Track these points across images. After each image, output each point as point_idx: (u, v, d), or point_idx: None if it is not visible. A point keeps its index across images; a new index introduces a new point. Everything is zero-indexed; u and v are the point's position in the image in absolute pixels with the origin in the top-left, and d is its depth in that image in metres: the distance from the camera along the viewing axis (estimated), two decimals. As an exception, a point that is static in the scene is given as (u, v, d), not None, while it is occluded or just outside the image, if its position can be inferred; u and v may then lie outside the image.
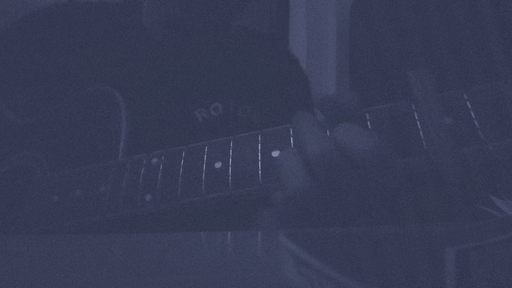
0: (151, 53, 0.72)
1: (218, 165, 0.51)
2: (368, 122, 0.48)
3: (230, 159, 0.50)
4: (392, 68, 0.65)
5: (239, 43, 0.77)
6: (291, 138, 0.50)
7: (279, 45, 0.89)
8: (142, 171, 0.54)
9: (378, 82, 0.65)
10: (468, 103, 0.45)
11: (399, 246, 0.27)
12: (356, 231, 0.33)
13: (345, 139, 0.44)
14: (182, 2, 0.70)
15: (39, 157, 0.65)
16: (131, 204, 0.53)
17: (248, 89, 0.71)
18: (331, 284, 0.23)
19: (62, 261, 0.36)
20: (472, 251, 0.25)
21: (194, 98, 0.68)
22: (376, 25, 0.70)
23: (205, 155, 0.52)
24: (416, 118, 0.46)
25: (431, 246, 0.27)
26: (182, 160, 0.53)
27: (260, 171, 0.49)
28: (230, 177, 0.50)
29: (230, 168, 0.50)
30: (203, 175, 0.51)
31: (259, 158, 0.50)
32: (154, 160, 0.54)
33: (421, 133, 0.45)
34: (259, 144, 0.50)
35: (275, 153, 0.49)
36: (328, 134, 0.47)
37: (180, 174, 0.52)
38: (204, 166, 0.51)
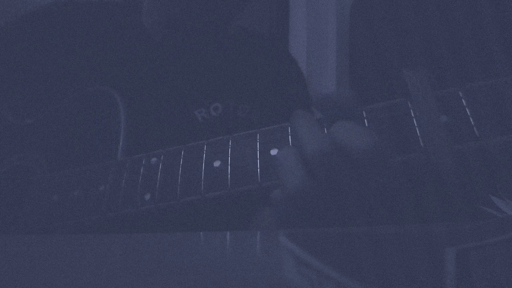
0: (151, 53, 0.72)
1: (217, 164, 0.51)
2: (365, 120, 0.48)
3: (229, 158, 0.50)
4: (392, 68, 0.65)
5: (239, 43, 0.77)
6: (290, 137, 0.50)
7: (278, 46, 0.89)
8: (142, 170, 0.54)
9: (378, 82, 0.65)
10: (463, 100, 0.45)
11: (399, 246, 0.27)
12: (356, 231, 0.33)
13: (343, 137, 0.44)
14: (182, 2, 0.70)
15: (38, 157, 0.65)
16: (131, 204, 0.53)
17: (247, 89, 0.71)
18: (331, 284, 0.23)
19: (62, 261, 0.36)
20: (472, 251, 0.25)
21: (194, 98, 0.68)
22: (376, 25, 0.70)
23: (204, 154, 0.52)
24: (413, 116, 0.46)
25: (431, 246, 0.27)
26: (181, 160, 0.53)
27: (259, 170, 0.49)
28: (229, 176, 0.50)
29: (229, 167, 0.50)
30: (202, 174, 0.51)
31: (258, 157, 0.50)
32: (153, 160, 0.54)
33: (418, 130, 0.46)
34: (258, 143, 0.50)
35: (274, 152, 0.49)
36: (326, 133, 0.47)
37: (179, 173, 0.52)
38: (203, 165, 0.51)
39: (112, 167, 0.57)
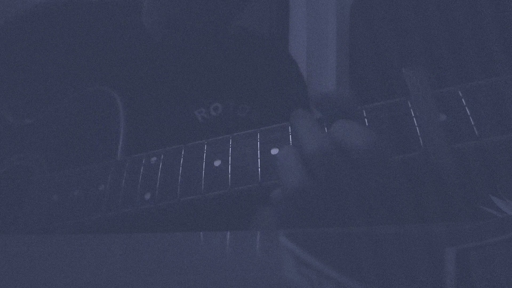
0: (151, 53, 0.72)
1: (217, 163, 0.51)
2: (366, 119, 0.48)
3: (230, 158, 0.50)
4: (392, 68, 0.65)
5: (239, 44, 0.77)
6: (290, 136, 0.50)
7: (278, 46, 0.89)
8: (142, 170, 0.54)
9: (378, 81, 0.65)
10: (463, 99, 0.45)
11: (399, 246, 0.27)
12: (356, 231, 0.33)
13: (343, 137, 0.44)
14: (182, 2, 0.70)
15: (38, 157, 0.65)
16: (131, 203, 0.53)
17: (247, 89, 0.71)
18: (331, 284, 0.23)
19: (62, 261, 0.36)
20: (472, 251, 0.25)
21: (194, 98, 0.68)
22: (376, 25, 0.70)
23: (205, 154, 0.52)
24: (413, 115, 0.46)
25: (431, 246, 0.27)
26: (182, 159, 0.53)
27: (259, 169, 0.49)
28: (229, 175, 0.50)
29: (229, 166, 0.50)
30: (203, 174, 0.51)
31: (258, 156, 0.50)
32: (154, 159, 0.54)
33: (418, 129, 0.46)
34: (258, 142, 0.50)
35: (274, 151, 0.49)
36: (326, 132, 0.47)
37: (180, 173, 0.52)
38: (204, 165, 0.51)
39: (112, 166, 0.57)
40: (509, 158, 0.46)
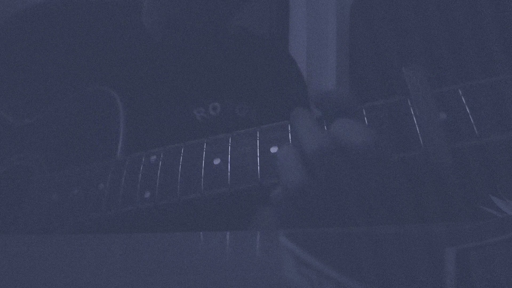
0: (150, 53, 0.72)
1: (217, 162, 0.51)
2: (365, 118, 0.48)
3: (229, 156, 0.50)
4: (393, 68, 0.65)
5: (238, 44, 0.76)
6: (290, 134, 0.50)
7: (278, 46, 0.89)
8: (141, 168, 0.54)
9: (378, 80, 0.65)
10: (463, 98, 0.45)
11: (399, 246, 0.27)
12: (356, 231, 0.33)
13: (343, 134, 0.44)
14: (182, 2, 0.70)
15: (38, 157, 0.65)
16: (130, 202, 0.53)
17: (246, 89, 0.71)
18: (331, 284, 0.23)
19: (62, 261, 0.36)
20: (472, 251, 0.25)
21: (193, 97, 0.68)
22: (376, 25, 0.70)
23: (204, 152, 0.52)
24: (413, 114, 0.46)
25: (431, 246, 0.27)
26: (181, 158, 0.53)
27: (259, 168, 0.49)
28: (229, 174, 0.50)
29: (229, 165, 0.50)
30: (202, 172, 0.51)
31: (258, 155, 0.50)
32: (153, 158, 0.54)
33: (417, 129, 0.46)
34: (258, 141, 0.50)
35: (274, 150, 0.49)
36: (325, 131, 0.47)
37: (179, 172, 0.52)
38: (203, 163, 0.51)
39: (112, 165, 0.57)
40: (509, 158, 0.46)
